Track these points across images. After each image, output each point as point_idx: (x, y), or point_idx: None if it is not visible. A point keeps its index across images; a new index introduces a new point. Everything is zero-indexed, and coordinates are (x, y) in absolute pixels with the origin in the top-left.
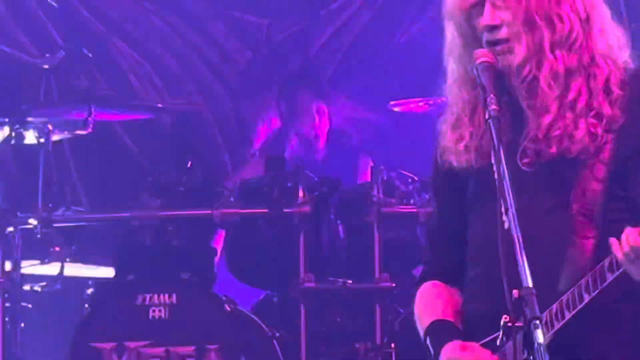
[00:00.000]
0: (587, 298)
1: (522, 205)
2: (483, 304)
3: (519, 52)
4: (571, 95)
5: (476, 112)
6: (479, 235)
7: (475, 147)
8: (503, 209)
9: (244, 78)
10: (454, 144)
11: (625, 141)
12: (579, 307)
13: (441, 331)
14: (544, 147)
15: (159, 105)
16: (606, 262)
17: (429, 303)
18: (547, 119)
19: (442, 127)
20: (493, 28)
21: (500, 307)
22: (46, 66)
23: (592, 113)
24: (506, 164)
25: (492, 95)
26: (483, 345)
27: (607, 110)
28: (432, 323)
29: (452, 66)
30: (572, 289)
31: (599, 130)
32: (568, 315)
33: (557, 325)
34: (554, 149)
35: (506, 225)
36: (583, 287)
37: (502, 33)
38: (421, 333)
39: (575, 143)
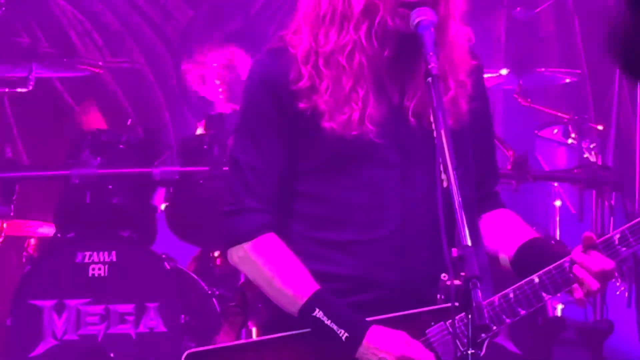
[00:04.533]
0: (546, 298)
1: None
2: (392, 271)
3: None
4: None
5: (365, 79)
6: (363, 197)
7: (360, 110)
8: (442, 168)
9: (185, 36)
10: (334, 106)
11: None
12: (536, 306)
13: (340, 305)
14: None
15: (99, 63)
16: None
17: (292, 263)
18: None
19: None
20: None
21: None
22: None
23: None
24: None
25: (431, 53)
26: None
27: None
28: (318, 292)
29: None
30: (520, 285)
31: None
32: (523, 313)
33: (508, 321)
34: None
35: (445, 184)
36: (538, 286)
37: None
38: (294, 298)
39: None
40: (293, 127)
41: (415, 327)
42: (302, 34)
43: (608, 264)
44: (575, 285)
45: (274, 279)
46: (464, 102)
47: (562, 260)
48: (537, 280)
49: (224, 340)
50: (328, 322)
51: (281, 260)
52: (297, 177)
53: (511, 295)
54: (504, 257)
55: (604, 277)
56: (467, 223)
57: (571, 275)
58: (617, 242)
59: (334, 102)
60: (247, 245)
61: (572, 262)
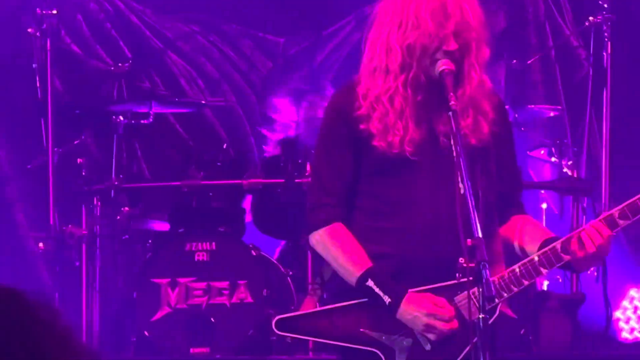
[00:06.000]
0: (544, 272)
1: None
2: (423, 254)
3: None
4: None
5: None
6: (402, 197)
7: (401, 136)
8: (459, 179)
9: (265, 82)
10: (383, 131)
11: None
12: (535, 277)
13: (386, 277)
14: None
15: (202, 102)
16: (558, 245)
17: (353, 245)
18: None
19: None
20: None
21: (439, 257)
22: (118, 72)
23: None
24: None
25: (451, 94)
26: (442, 288)
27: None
28: (371, 267)
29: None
30: (524, 262)
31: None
32: (526, 283)
33: (515, 290)
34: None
35: (462, 192)
36: (538, 263)
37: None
38: (353, 271)
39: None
40: (357, 143)
41: (445, 296)
42: (363, 78)
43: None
44: (575, 249)
45: (339, 256)
46: (486, 126)
47: (554, 243)
48: (536, 258)
49: (307, 309)
50: (377, 290)
51: (344, 243)
52: (359, 179)
53: (517, 270)
54: (517, 245)
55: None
56: (482, 220)
57: (562, 254)
58: (617, 216)
59: (383, 128)
60: (321, 231)
61: (569, 239)
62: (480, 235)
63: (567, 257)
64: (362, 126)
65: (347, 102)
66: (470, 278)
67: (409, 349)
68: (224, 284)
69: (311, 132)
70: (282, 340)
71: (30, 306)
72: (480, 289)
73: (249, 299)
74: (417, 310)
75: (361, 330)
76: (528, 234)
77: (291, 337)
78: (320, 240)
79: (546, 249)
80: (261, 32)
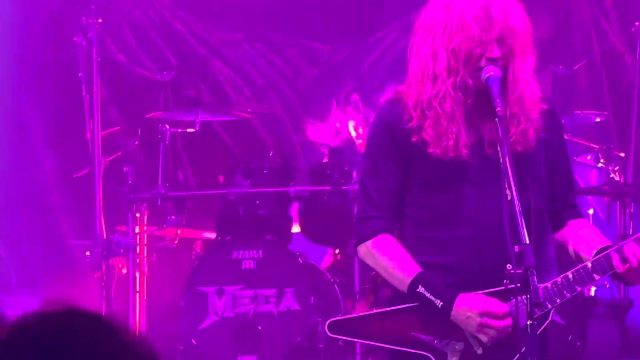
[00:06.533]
0: (597, 278)
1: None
2: (471, 261)
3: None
4: None
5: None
6: (452, 205)
7: (455, 139)
8: (507, 185)
9: (311, 89)
10: (436, 137)
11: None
12: (589, 284)
13: (436, 282)
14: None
15: (248, 109)
16: (611, 253)
17: (402, 254)
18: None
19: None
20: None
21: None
22: (164, 81)
23: None
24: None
25: (497, 100)
26: (490, 294)
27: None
28: (420, 273)
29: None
30: (577, 269)
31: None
32: (579, 289)
33: (568, 296)
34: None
35: (509, 198)
36: (591, 269)
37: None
38: (403, 280)
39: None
40: (404, 155)
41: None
42: (411, 88)
43: None
44: (618, 264)
45: (388, 266)
46: (533, 134)
47: (608, 251)
48: (590, 265)
49: (360, 313)
50: (428, 295)
51: (392, 253)
52: (408, 191)
53: (570, 276)
54: (572, 251)
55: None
56: (532, 227)
57: (615, 263)
58: None
59: (436, 134)
60: (369, 243)
61: (620, 249)
62: (527, 241)
63: (620, 267)
64: (414, 138)
65: (394, 115)
66: (518, 285)
67: (461, 353)
68: (271, 291)
69: (357, 139)
70: (329, 348)
71: (117, 331)
72: (528, 296)
73: (296, 307)
74: (470, 310)
75: (413, 333)
76: (583, 241)
77: (343, 339)
78: (368, 252)
79: (600, 256)
80: (307, 40)
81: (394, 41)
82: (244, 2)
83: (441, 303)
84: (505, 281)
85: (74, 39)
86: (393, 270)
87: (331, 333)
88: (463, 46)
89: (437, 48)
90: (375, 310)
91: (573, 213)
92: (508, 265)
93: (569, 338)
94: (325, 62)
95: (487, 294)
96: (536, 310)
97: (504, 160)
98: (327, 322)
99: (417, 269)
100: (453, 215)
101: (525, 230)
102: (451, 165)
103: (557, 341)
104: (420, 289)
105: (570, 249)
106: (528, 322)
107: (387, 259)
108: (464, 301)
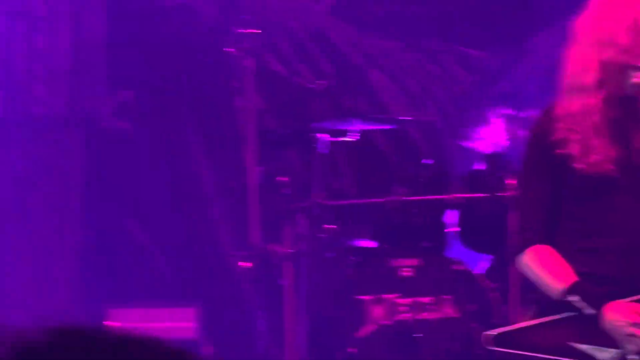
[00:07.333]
0: None
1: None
2: (622, 270)
3: None
4: None
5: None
6: (602, 216)
7: (602, 155)
8: None
9: (467, 96)
10: (582, 152)
11: None
12: None
13: (591, 291)
14: None
15: (405, 118)
16: None
17: (556, 263)
18: None
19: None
20: None
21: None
22: (320, 90)
23: None
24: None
25: None
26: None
27: None
28: (576, 282)
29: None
30: None
31: None
32: None
33: None
34: None
35: None
36: None
37: None
38: (558, 289)
39: None
40: (555, 168)
41: None
42: (561, 100)
43: None
44: None
45: (543, 276)
46: None
47: None
48: None
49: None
50: (581, 303)
51: (547, 262)
52: (562, 202)
53: None
54: None
55: None
56: None
57: None
58: None
59: (582, 149)
60: (523, 255)
61: None
62: None
63: None
64: (559, 151)
65: (544, 127)
66: None
67: None
68: (430, 299)
69: (513, 145)
70: (488, 357)
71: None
72: None
73: (455, 314)
74: (620, 319)
75: (568, 343)
76: None
77: (509, 352)
78: (524, 262)
79: None
80: (462, 47)
81: (550, 48)
82: (399, 10)
83: (593, 311)
84: None
85: (228, 49)
86: (547, 279)
87: (498, 347)
88: (614, 58)
89: (587, 61)
90: (533, 321)
91: None
92: None
93: None
94: (481, 68)
95: (636, 301)
96: None
97: None
98: (495, 333)
99: (572, 278)
100: (604, 226)
101: None
102: (599, 179)
103: None
104: (573, 297)
105: None
106: None
107: (542, 268)
108: (615, 310)
